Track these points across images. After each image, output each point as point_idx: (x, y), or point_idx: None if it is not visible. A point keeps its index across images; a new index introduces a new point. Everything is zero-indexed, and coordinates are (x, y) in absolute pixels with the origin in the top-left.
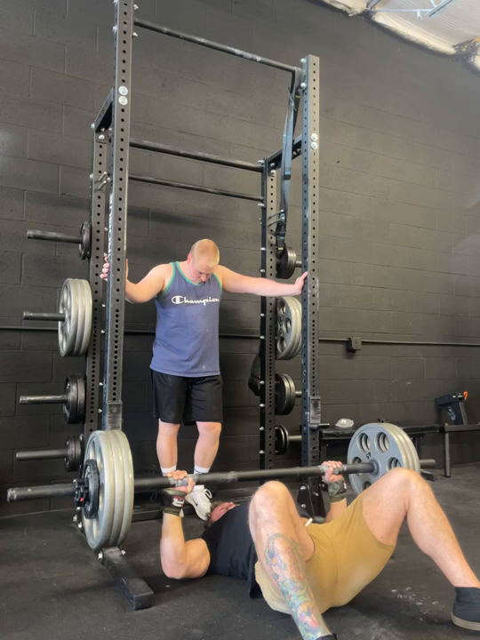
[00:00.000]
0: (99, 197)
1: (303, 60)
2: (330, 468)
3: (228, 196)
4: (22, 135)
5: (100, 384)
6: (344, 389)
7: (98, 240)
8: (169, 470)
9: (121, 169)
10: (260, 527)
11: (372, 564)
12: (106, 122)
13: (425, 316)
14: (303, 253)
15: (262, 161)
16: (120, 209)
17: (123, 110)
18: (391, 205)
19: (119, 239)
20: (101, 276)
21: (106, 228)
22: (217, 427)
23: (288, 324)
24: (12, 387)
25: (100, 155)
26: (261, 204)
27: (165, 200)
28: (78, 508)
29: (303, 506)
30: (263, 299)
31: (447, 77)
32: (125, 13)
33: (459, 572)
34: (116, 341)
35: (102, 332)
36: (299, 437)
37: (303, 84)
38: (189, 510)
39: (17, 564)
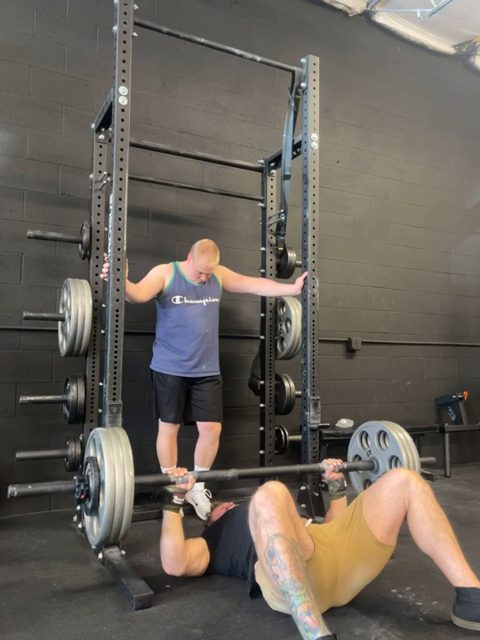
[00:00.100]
0: (99, 197)
1: (303, 60)
2: (330, 466)
3: (228, 196)
4: (22, 135)
5: (100, 384)
6: (344, 389)
7: (98, 240)
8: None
9: (121, 169)
10: (259, 527)
11: (371, 563)
12: (106, 122)
13: (425, 316)
14: (303, 253)
15: (262, 161)
16: (120, 209)
17: (123, 110)
18: (391, 205)
19: (119, 239)
20: (101, 276)
21: (106, 228)
22: (217, 427)
23: (288, 324)
24: (11, 387)
25: (100, 155)
26: (261, 204)
27: (165, 200)
28: (78, 508)
29: (303, 506)
30: (263, 299)
31: (447, 77)
32: (125, 13)
33: (459, 572)
34: (116, 341)
35: (102, 331)
36: (299, 437)
37: (303, 84)
38: (189, 510)
39: (17, 564)
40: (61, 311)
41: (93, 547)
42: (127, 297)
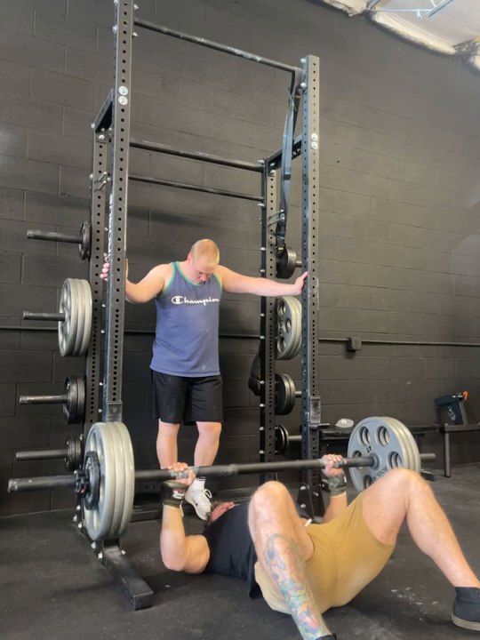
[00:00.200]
0: (99, 197)
1: (303, 60)
2: (330, 462)
3: (228, 196)
4: (22, 135)
5: (100, 384)
6: (344, 389)
7: (98, 240)
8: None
9: (121, 169)
10: (259, 527)
11: (371, 563)
12: (106, 122)
13: (425, 316)
14: (303, 253)
15: (262, 161)
16: (120, 209)
17: (123, 110)
18: (391, 205)
19: (119, 239)
20: (101, 276)
21: (106, 228)
22: (217, 427)
23: (288, 324)
24: (11, 387)
25: (100, 155)
26: (261, 204)
27: (165, 200)
28: (78, 508)
29: (303, 506)
30: (263, 299)
31: (447, 77)
32: (125, 13)
33: (459, 572)
34: (116, 341)
35: (102, 332)
36: (299, 437)
37: (303, 84)
38: (189, 510)
39: (17, 564)
40: (61, 311)
41: (93, 542)
42: (127, 297)
